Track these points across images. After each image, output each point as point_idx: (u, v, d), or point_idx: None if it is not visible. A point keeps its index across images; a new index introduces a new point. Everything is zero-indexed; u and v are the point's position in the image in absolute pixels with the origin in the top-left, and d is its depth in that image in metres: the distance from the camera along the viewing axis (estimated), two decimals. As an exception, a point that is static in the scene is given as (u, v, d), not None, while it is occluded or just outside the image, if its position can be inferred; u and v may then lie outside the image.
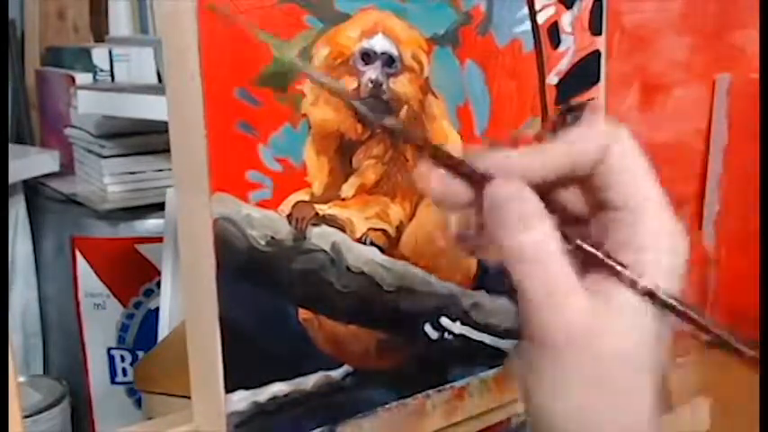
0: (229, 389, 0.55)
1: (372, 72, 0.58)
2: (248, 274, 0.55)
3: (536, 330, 0.35)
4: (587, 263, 0.37)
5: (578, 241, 0.37)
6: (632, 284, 0.36)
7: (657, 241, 0.36)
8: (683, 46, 0.97)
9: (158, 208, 1.33)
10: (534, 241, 0.35)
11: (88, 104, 1.31)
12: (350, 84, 0.58)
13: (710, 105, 0.99)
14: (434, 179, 0.37)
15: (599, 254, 0.36)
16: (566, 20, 0.69)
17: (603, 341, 0.35)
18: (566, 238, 0.36)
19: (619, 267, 0.36)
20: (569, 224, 0.38)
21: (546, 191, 0.37)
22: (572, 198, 0.39)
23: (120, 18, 1.77)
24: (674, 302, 0.36)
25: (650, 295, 0.36)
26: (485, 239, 0.37)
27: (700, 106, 0.99)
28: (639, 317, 0.36)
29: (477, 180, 0.37)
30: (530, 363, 0.36)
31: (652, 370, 0.36)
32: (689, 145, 0.99)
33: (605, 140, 0.37)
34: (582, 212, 0.39)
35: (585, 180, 0.38)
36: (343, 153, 0.58)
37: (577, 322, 0.35)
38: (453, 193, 0.37)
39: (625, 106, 0.98)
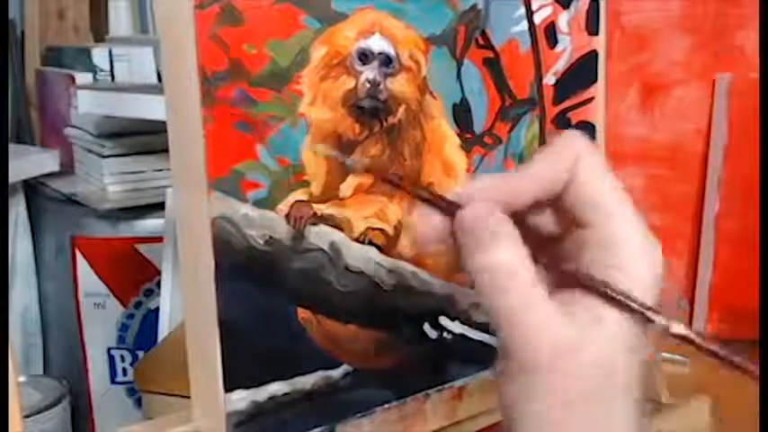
0: (228, 388, 0.55)
1: (370, 72, 0.59)
2: (247, 273, 0.55)
3: (514, 349, 0.35)
4: (560, 282, 0.37)
5: (545, 261, 0.37)
6: (608, 299, 0.35)
7: (630, 255, 0.36)
8: (683, 46, 0.97)
9: (158, 208, 1.33)
10: (502, 261, 0.35)
11: (88, 104, 1.32)
12: (347, 84, 0.58)
13: (710, 105, 0.99)
14: (419, 219, 0.38)
15: (572, 270, 0.36)
16: (563, 20, 0.69)
17: (581, 355, 0.35)
18: (536, 258, 0.36)
19: (594, 283, 0.36)
20: (542, 245, 0.38)
21: (518, 216, 0.37)
22: (543, 220, 0.39)
23: (120, 18, 1.77)
24: (650, 314, 0.36)
25: (628, 309, 0.35)
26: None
27: (700, 106, 0.99)
28: (614, 329, 0.36)
29: (452, 210, 0.37)
30: (511, 380, 0.36)
31: (630, 382, 0.36)
32: (689, 145, 0.99)
33: (571, 161, 0.37)
34: (554, 233, 0.39)
35: (555, 202, 0.38)
36: (341, 152, 0.58)
37: (548, 345, 0.35)
38: (432, 227, 0.38)
39: (625, 106, 0.98)
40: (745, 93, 0.96)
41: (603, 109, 0.75)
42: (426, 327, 0.64)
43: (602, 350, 0.35)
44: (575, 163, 0.37)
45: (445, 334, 0.65)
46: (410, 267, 0.62)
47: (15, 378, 0.47)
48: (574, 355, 0.35)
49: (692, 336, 0.36)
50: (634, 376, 0.36)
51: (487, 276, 0.35)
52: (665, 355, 0.89)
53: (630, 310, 0.35)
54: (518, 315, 0.35)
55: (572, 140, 0.38)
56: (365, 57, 0.58)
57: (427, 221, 0.38)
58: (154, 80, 1.57)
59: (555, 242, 0.39)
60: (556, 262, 0.37)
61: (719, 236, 0.96)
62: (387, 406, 0.63)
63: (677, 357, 0.90)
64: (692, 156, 0.99)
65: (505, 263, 0.35)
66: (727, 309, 0.96)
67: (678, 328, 0.36)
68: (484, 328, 0.67)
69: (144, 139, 1.40)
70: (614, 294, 0.35)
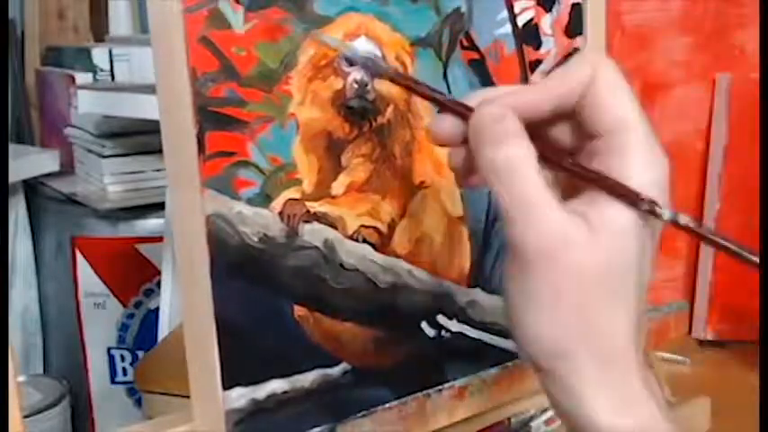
0: (227, 386, 0.55)
1: (357, 73, 0.59)
2: (242, 270, 0.55)
3: (512, 242, 0.37)
4: (577, 184, 0.38)
5: (570, 161, 0.38)
6: (633, 200, 0.36)
7: (637, 162, 0.37)
8: (683, 46, 0.97)
9: (158, 208, 1.33)
10: (511, 155, 0.37)
11: (88, 104, 1.32)
12: (335, 85, 0.58)
13: (710, 105, 0.99)
14: (435, 120, 0.41)
15: (592, 173, 0.37)
16: (546, 22, 0.70)
17: (577, 256, 0.36)
18: (556, 161, 0.38)
19: (616, 183, 0.37)
20: (558, 156, 0.39)
21: (536, 127, 0.39)
22: (560, 134, 0.41)
23: (120, 18, 1.77)
24: (657, 208, 0.37)
25: (651, 211, 0.37)
26: (472, 165, 0.39)
27: (700, 106, 0.99)
28: (624, 235, 0.37)
29: (467, 114, 0.39)
30: (509, 275, 0.38)
31: (636, 284, 0.37)
32: (689, 145, 0.99)
33: (591, 71, 0.38)
34: (570, 146, 0.40)
35: (571, 115, 0.39)
36: (331, 151, 0.59)
37: (549, 234, 0.36)
38: (447, 128, 0.40)
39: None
40: (745, 93, 0.96)
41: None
42: (424, 325, 0.64)
43: (601, 255, 0.36)
44: (591, 77, 0.38)
45: (444, 332, 0.65)
46: (406, 265, 0.62)
47: (15, 378, 0.47)
48: (565, 256, 0.36)
49: (699, 227, 0.38)
50: (639, 280, 0.37)
51: (494, 167, 0.37)
52: (665, 355, 0.89)
53: (636, 204, 0.36)
54: (517, 209, 0.36)
55: (587, 57, 0.39)
56: (352, 58, 0.59)
57: (443, 121, 0.40)
58: (154, 80, 1.57)
59: (570, 155, 0.40)
60: (576, 163, 0.39)
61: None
62: (387, 405, 0.63)
63: (677, 357, 0.90)
64: (692, 156, 0.99)
65: (515, 157, 0.37)
66: (727, 309, 0.96)
67: (685, 220, 0.37)
68: (482, 326, 0.67)
69: (144, 139, 1.40)
70: (621, 187, 0.36)
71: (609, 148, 0.38)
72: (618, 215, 0.36)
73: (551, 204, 0.36)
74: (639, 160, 0.37)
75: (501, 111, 0.38)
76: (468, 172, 0.41)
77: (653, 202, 0.36)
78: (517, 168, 0.36)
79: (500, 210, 0.37)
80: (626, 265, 0.37)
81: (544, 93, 0.39)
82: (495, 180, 0.37)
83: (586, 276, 0.36)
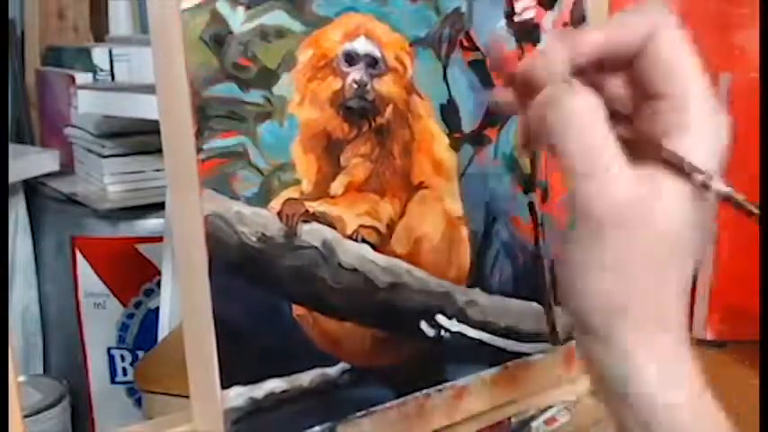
0: (225, 384, 0.55)
1: (356, 73, 0.59)
2: (241, 270, 0.55)
3: (581, 205, 0.35)
4: (633, 153, 0.36)
5: (625, 127, 0.36)
6: (685, 173, 0.35)
7: (701, 126, 0.36)
8: (682, 45, 0.97)
9: (158, 208, 1.33)
10: (581, 105, 0.35)
11: (88, 104, 1.32)
12: (334, 85, 0.58)
13: (710, 105, 0.99)
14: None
15: (652, 141, 0.36)
16: (547, 21, 0.69)
17: (648, 223, 0.35)
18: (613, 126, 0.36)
19: (672, 154, 0.35)
20: (615, 118, 0.37)
21: (590, 80, 0.37)
22: (616, 92, 0.39)
23: (120, 18, 1.77)
24: (725, 189, 0.35)
25: (705, 186, 0.35)
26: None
27: (699, 106, 0.99)
28: (686, 202, 0.35)
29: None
30: (570, 235, 0.36)
31: (690, 255, 0.36)
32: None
33: (652, 24, 0.36)
34: (626, 107, 0.39)
35: (630, 70, 0.37)
36: (330, 151, 0.59)
37: (623, 200, 0.34)
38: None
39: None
40: (745, 93, 0.96)
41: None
42: (423, 325, 0.64)
43: (669, 222, 0.35)
44: (651, 31, 0.36)
45: (443, 332, 0.65)
46: (405, 265, 0.62)
47: (15, 378, 0.47)
48: (638, 223, 0.35)
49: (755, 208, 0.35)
50: (693, 252, 0.36)
51: (565, 121, 0.35)
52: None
53: (691, 178, 0.35)
54: (586, 166, 0.34)
55: (650, 8, 0.37)
56: (351, 58, 0.59)
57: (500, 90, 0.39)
58: (153, 80, 1.57)
59: (628, 118, 0.38)
60: (629, 133, 0.37)
61: (719, 235, 0.96)
62: (388, 405, 0.63)
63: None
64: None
65: (585, 106, 0.35)
66: (727, 310, 0.96)
67: (741, 197, 0.35)
68: (482, 326, 0.67)
69: (144, 139, 1.40)
70: (676, 159, 0.35)
71: (667, 110, 0.36)
72: (675, 185, 0.35)
73: (624, 165, 0.35)
74: (700, 128, 0.36)
75: (558, 59, 0.36)
76: (527, 135, 0.39)
77: (709, 176, 0.35)
78: (589, 119, 0.35)
79: (566, 170, 0.35)
80: (684, 235, 0.36)
81: (597, 34, 0.37)
82: (562, 134, 0.35)
83: (650, 241, 0.35)
